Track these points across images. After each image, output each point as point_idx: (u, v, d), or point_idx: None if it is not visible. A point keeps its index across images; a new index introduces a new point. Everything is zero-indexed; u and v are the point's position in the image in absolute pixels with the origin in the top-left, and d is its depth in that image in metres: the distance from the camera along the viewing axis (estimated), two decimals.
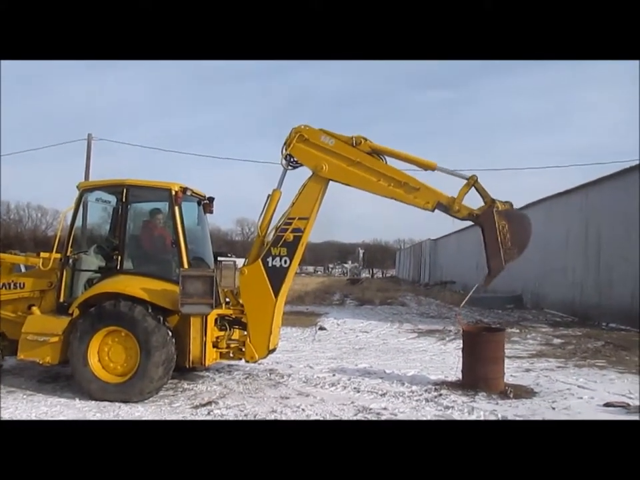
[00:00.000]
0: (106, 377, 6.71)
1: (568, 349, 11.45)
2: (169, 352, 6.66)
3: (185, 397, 6.97)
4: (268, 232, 7.36)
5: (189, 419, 5.98)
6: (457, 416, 6.19)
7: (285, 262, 7.11)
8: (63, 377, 7.65)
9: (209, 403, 6.58)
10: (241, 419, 5.99)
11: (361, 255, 69.06)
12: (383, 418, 6.13)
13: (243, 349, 7.21)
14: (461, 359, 7.81)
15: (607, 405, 6.70)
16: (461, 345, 7.92)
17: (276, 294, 7.10)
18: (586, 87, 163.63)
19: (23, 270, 8.38)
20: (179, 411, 6.28)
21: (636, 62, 17.18)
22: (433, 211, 7.02)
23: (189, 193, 7.49)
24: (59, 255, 7.37)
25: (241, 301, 7.33)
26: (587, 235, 18.48)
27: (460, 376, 7.80)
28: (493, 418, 6.12)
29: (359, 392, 7.33)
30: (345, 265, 73.35)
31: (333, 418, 6.08)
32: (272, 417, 6.03)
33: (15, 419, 5.82)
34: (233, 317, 7.40)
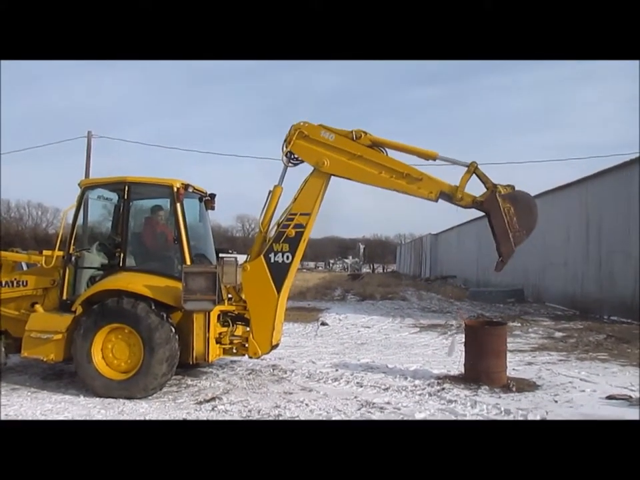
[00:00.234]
0: (110, 374, 6.73)
1: (570, 342, 11.47)
2: (172, 348, 6.68)
3: (189, 393, 7.00)
4: (270, 228, 7.36)
5: (193, 415, 6.00)
6: (459, 410, 6.21)
7: (287, 258, 7.12)
8: (67, 374, 7.68)
9: (213, 399, 6.61)
10: (245, 414, 6.01)
11: (362, 250, 69.12)
12: (387, 412, 6.16)
13: (246, 345, 7.23)
14: (464, 353, 7.83)
15: (609, 397, 6.72)
16: (463, 339, 7.94)
17: (278, 290, 7.12)
18: (584, 84, 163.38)
19: (25, 268, 8.40)
20: (183, 407, 6.30)
21: (636, 62, 17.15)
22: (436, 200, 7.01)
23: (190, 189, 7.49)
24: (61, 253, 7.38)
25: (243, 297, 7.35)
26: (587, 228, 18.49)
27: (462, 370, 7.82)
28: (495, 411, 6.15)
29: (362, 387, 7.36)
30: (346, 261, 73.37)
31: (336, 412, 6.11)
32: (276, 412, 6.06)
33: (19, 416, 5.85)
34: (236, 313, 7.41)
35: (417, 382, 7.54)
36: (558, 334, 12.72)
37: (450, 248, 41.32)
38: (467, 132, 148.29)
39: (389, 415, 6.06)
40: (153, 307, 6.68)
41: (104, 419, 5.86)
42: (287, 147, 7.25)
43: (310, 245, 9.23)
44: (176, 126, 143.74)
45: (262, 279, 7.11)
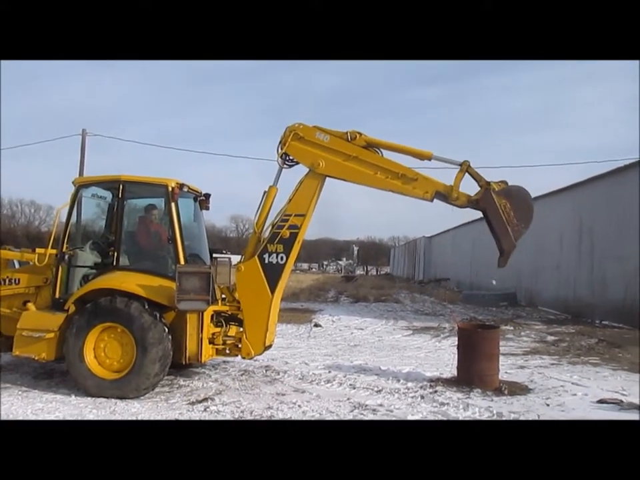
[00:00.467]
0: (102, 373, 6.70)
1: (562, 346, 11.52)
2: (165, 348, 6.65)
3: (181, 393, 6.97)
4: (264, 229, 7.35)
5: (186, 415, 5.98)
6: (452, 412, 6.23)
7: (282, 258, 7.11)
8: (59, 373, 7.63)
9: (205, 400, 6.59)
10: (237, 415, 6.00)
11: (355, 252, 69.25)
12: (379, 414, 6.16)
13: (239, 346, 7.21)
14: (456, 356, 7.85)
15: (601, 401, 6.76)
16: (456, 342, 7.96)
17: (272, 290, 7.11)
18: (584, 85, 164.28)
19: (17, 266, 8.35)
20: (175, 407, 6.28)
21: (636, 62, 17.25)
22: (431, 200, 7.01)
23: (185, 189, 7.45)
24: (54, 251, 7.34)
25: (237, 298, 7.33)
26: (580, 233, 18.59)
27: (455, 373, 7.84)
28: (488, 414, 6.17)
29: (354, 388, 7.36)
30: (340, 262, 73.52)
31: (329, 414, 6.10)
32: (268, 414, 6.05)
33: (10, 415, 5.80)
34: (229, 313, 7.40)
35: (409, 384, 7.55)
36: (550, 338, 12.78)
37: (443, 251, 41.42)
38: (466, 132, 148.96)
39: (381, 417, 6.06)
40: (146, 307, 6.66)
41: (95, 418, 5.83)
42: (282, 149, 7.24)
43: (304, 246, 9.22)
44: (176, 126, 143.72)
45: (256, 280, 7.10)
